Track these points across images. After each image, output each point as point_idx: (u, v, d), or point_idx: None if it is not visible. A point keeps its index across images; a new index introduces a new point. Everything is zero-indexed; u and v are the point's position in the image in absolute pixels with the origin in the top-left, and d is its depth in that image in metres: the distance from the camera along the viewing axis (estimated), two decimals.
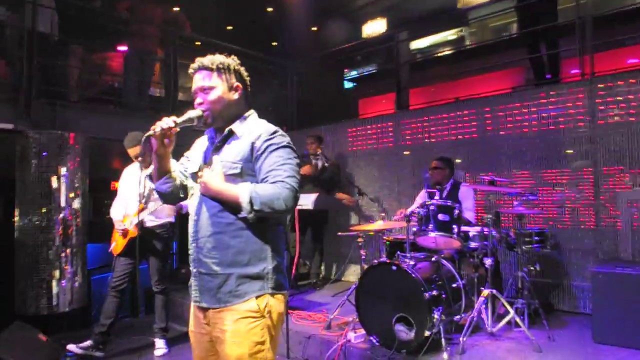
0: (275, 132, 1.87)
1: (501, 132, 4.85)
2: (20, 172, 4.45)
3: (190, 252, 1.90)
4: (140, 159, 3.90)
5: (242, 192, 1.73)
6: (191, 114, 1.86)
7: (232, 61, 1.94)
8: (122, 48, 6.19)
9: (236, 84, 1.92)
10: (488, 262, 3.54)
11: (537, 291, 3.76)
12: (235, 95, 1.92)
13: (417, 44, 9.45)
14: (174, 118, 1.83)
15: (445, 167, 4.39)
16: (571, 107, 4.41)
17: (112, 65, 6.24)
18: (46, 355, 3.43)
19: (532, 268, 3.81)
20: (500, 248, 4.01)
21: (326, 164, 5.54)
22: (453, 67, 7.51)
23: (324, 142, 5.87)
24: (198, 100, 1.89)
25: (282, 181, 1.75)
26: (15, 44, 5.05)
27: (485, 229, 3.62)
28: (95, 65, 6.18)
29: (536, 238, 3.74)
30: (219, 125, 1.92)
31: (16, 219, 4.46)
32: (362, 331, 3.52)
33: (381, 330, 3.34)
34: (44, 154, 4.43)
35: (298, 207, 5.10)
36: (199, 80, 1.89)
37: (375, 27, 9.44)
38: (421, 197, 4.46)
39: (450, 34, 9.31)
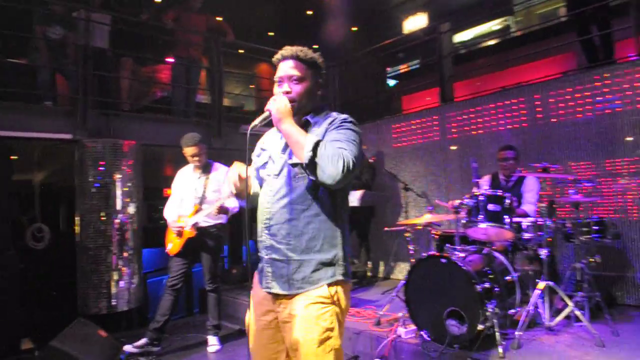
0: (348, 118, 1.89)
1: (552, 120, 4.65)
2: (79, 179, 4.71)
3: (261, 239, 1.89)
4: (196, 158, 4.01)
5: (310, 137, 1.72)
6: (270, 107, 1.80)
7: (320, 58, 1.93)
8: (170, 60, 6.41)
9: (320, 81, 1.95)
10: (543, 253, 3.38)
11: (598, 284, 3.55)
12: (319, 92, 1.94)
13: (461, 36, 9.23)
14: (254, 123, 1.79)
15: (518, 157, 4.17)
16: (628, 88, 4.16)
17: (160, 76, 6.46)
18: (106, 349, 3.58)
19: (592, 260, 3.59)
20: (556, 239, 3.81)
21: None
22: (499, 58, 7.27)
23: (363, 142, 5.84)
24: (284, 88, 1.84)
25: (344, 149, 1.72)
26: (72, 60, 5.36)
27: (540, 219, 3.47)
28: (145, 76, 6.42)
29: (595, 228, 3.52)
30: (298, 117, 1.85)
31: (77, 224, 4.72)
32: (413, 327, 3.45)
33: (432, 326, 3.26)
34: (100, 162, 4.67)
35: None
36: (287, 68, 1.85)
37: (416, 23, 9.33)
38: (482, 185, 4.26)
39: (494, 24, 9.04)
